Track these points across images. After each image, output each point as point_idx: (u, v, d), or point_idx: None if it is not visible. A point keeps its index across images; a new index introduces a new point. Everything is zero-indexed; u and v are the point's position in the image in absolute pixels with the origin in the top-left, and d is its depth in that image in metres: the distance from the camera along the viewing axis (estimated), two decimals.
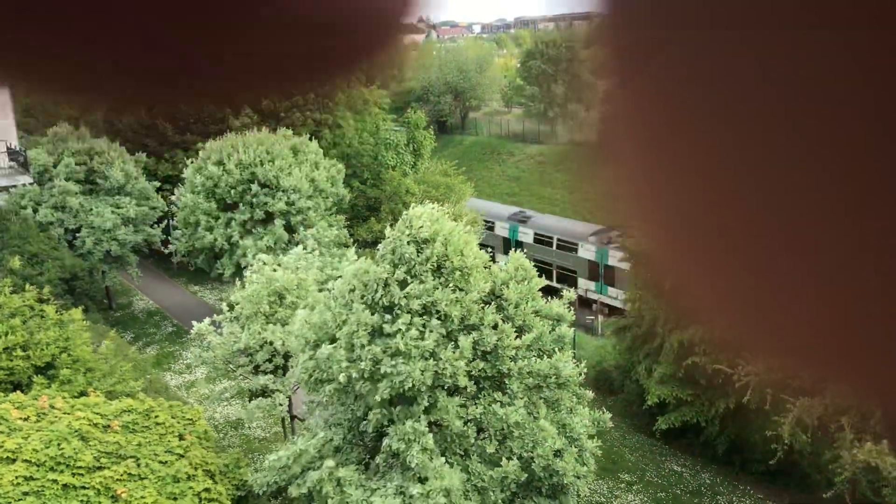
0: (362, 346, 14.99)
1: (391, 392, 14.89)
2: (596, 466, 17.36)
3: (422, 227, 15.44)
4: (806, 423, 16.77)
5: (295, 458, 16.26)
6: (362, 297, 15.69)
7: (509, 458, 14.96)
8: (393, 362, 14.77)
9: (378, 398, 14.85)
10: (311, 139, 36.21)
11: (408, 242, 15.42)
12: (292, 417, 23.88)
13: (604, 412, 17.64)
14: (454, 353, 14.90)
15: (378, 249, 16.37)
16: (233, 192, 31.97)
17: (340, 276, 17.14)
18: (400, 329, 14.83)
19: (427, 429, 14.78)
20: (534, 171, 61.91)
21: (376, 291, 15.46)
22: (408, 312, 15.06)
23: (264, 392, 21.83)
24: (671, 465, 25.19)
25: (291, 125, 41.72)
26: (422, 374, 14.57)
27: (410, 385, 14.58)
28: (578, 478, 15.92)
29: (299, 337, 16.48)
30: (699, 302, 0.53)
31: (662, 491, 23.86)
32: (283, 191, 32.05)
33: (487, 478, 14.88)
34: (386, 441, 15.09)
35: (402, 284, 15.30)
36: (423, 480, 14.44)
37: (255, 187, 31.82)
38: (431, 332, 15.01)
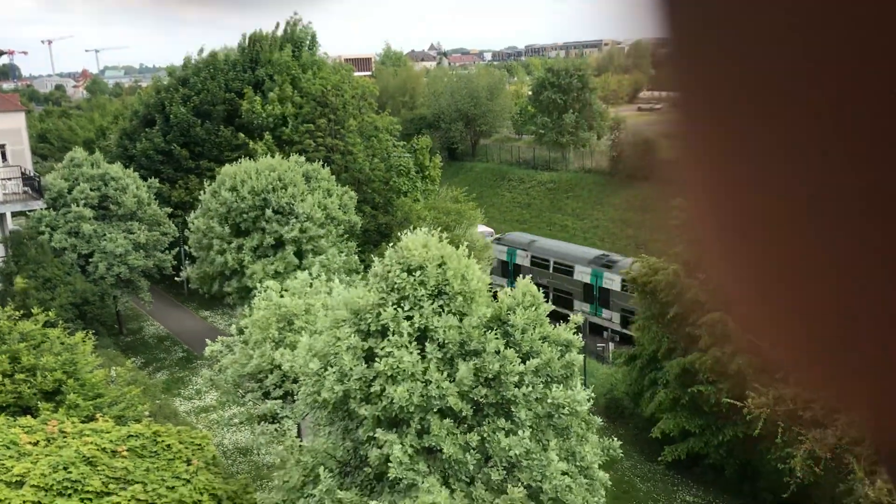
0: (350, 369, 15.14)
1: (381, 413, 15.00)
2: (606, 497, 17.13)
3: (413, 254, 15.61)
4: (818, 455, 16.54)
5: (294, 465, 16.39)
6: (354, 323, 15.90)
7: (516, 487, 14.82)
8: (381, 383, 14.91)
9: (366, 415, 15.00)
10: (322, 165, 36.43)
11: (399, 269, 15.58)
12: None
13: (614, 440, 17.47)
14: (442, 374, 14.90)
15: (370, 278, 16.59)
16: (246, 217, 32.15)
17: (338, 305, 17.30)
18: (390, 351, 14.95)
19: (412, 448, 14.75)
20: (544, 198, 61.99)
21: (366, 318, 15.66)
22: (399, 335, 15.12)
23: (273, 418, 21.79)
24: (683, 495, 24.89)
25: (303, 151, 42.01)
26: (409, 396, 14.57)
27: (399, 407, 14.62)
28: None
29: (304, 363, 16.60)
30: (750, 320, 0.53)
31: None
32: (296, 217, 32.20)
33: None
34: (371, 457, 15.11)
35: (395, 309, 15.42)
36: (414, 499, 14.38)
37: (268, 212, 31.99)
38: (428, 357, 15.05)
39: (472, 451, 14.98)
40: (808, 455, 16.80)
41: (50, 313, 22.30)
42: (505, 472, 15.12)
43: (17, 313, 21.40)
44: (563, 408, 15.41)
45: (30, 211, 34.84)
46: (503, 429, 15.14)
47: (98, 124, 63.09)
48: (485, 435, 15.09)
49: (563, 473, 15.13)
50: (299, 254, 32.80)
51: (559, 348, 16.38)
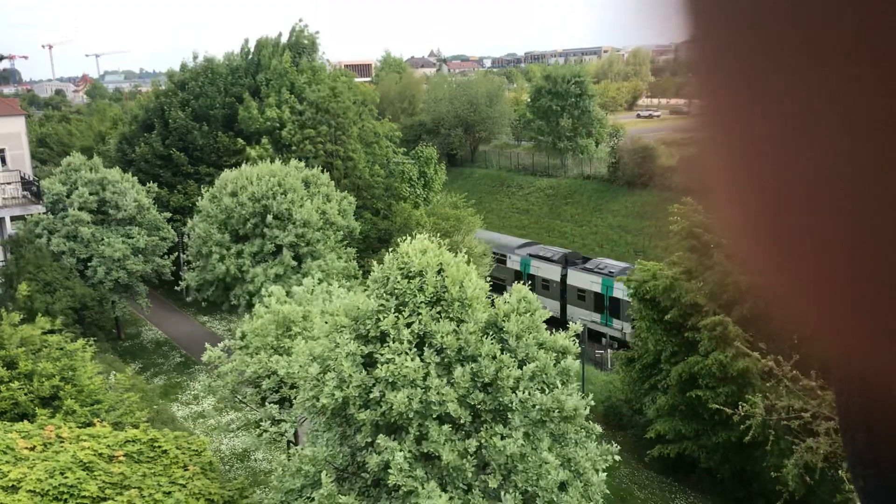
0: (350, 375, 15.15)
1: (380, 419, 15.00)
2: (604, 502, 17.09)
3: (412, 260, 15.63)
4: (811, 464, 16.51)
5: (294, 473, 16.36)
6: (353, 329, 15.92)
7: (511, 493, 14.79)
8: (381, 389, 14.91)
9: (365, 420, 14.99)
10: (322, 171, 36.46)
11: (399, 276, 15.60)
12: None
13: (612, 444, 17.45)
14: (442, 381, 14.89)
15: (369, 284, 16.58)
16: (247, 224, 32.17)
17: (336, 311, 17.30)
18: (390, 358, 14.95)
19: (410, 454, 14.73)
20: (543, 204, 62.05)
21: (366, 324, 15.69)
22: (400, 342, 15.12)
23: (271, 423, 21.78)
24: (680, 502, 24.88)
25: (304, 157, 42.04)
26: (408, 402, 14.57)
27: (399, 413, 14.62)
28: None
29: (303, 367, 16.57)
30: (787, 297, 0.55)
31: None
32: (293, 223, 32.23)
33: None
34: (371, 463, 15.08)
35: (395, 316, 15.43)
36: None
37: (269, 219, 32.02)
38: (427, 362, 15.05)
39: (469, 457, 14.96)
40: (802, 464, 16.78)
41: (56, 321, 22.29)
42: (502, 478, 15.10)
43: (17, 317, 21.38)
44: (553, 411, 15.39)
45: (28, 215, 34.84)
46: (500, 434, 15.14)
47: (97, 129, 63.09)
48: (482, 441, 15.07)
49: (557, 475, 15.09)
50: (297, 258, 32.83)
51: (555, 355, 16.37)
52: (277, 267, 31.83)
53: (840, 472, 16.07)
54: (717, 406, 19.58)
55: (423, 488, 14.25)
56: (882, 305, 0.48)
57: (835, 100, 0.45)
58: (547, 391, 15.59)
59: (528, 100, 70.83)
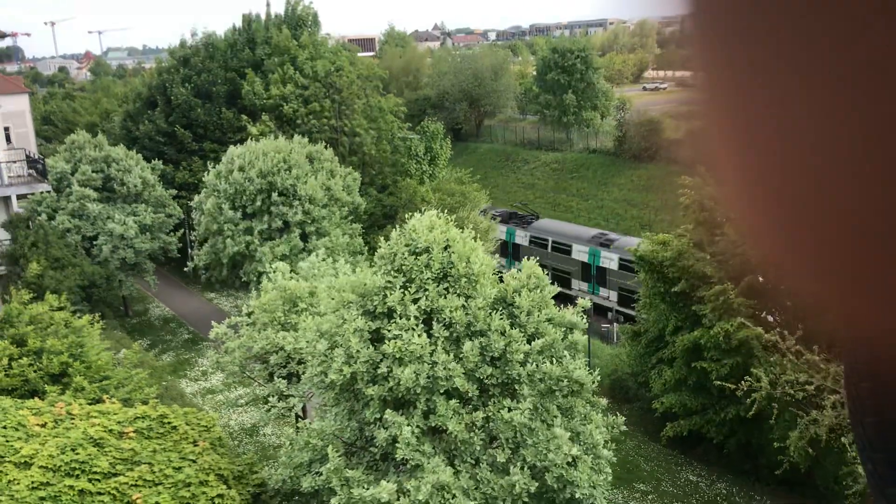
0: (357, 351, 15.24)
1: (388, 395, 15.10)
2: (611, 475, 17.23)
3: (418, 237, 15.64)
4: (815, 436, 16.57)
5: (302, 447, 16.51)
6: (360, 306, 15.99)
7: (521, 468, 14.89)
8: (388, 365, 15.01)
9: (373, 395, 15.10)
10: (327, 147, 36.32)
11: (406, 252, 15.61)
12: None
13: (618, 416, 17.54)
14: (449, 356, 14.96)
15: (376, 261, 16.60)
16: (256, 200, 32.10)
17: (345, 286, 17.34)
18: (397, 334, 15.01)
19: (417, 427, 14.85)
20: (549, 179, 61.84)
21: (373, 300, 15.75)
22: (407, 318, 15.18)
23: (279, 398, 21.93)
24: (687, 474, 25.02)
25: (308, 132, 41.88)
26: (416, 378, 14.65)
27: (406, 388, 14.71)
28: (594, 487, 15.80)
29: (310, 343, 16.64)
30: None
31: (678, 501, 23.69)
32: (299, 199, 32.18)
33: (497, 486, 14.82)
34: (379, 438, 15.21)
35: (402, 292, 15.47)
36: (419, 478, 14.50)
37: (275, 196, 31.97)
38: (435, 337, 15.11)
39: (477, 430, 15.06)
40: (807, 436, 16.85)
41: (62, 298, 22.38)
42: (511, 451, 15.19)
43: (27, 296, 21.48)
44: (561, 381, 15.48)
45: (31, 194, 34.88)
46: (507, 407, 15.23)
47: (104, 107, 62.90)
48: (490, 414, 15.16)
49: (569, 449, 15.18)
50: (304, 236, 32.84)
51: (563, 330, 16.43)
52: (284, 246, 31.85)
53: (845, 442, 16.13)
54: (721, 383, 19.64)
55: (429, 462, 14.37)
56: (892, 280, 0.48)
57: (833, 68, 0.45)
58: (555, 363, 15.69)
59: (535, 73, 70.28)
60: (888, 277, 0.48)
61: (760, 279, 20.19)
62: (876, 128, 0.45)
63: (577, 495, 15.22)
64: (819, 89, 0.47)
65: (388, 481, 14.52)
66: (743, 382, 17.65)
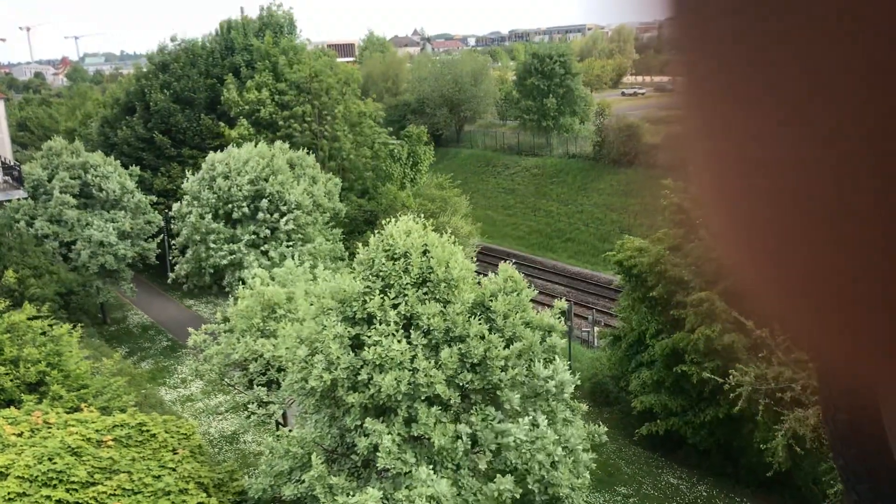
0: (338, 357, 15.17)
1: (369, 402, 15.06)
2: (591, 479, 17.27)
3: (396, 242, 15.62)
4: (800, 435, 16.72)
5: (282, 455, 16.41)
6: (340, 312, 15.95)
7: (503, 473, 14.88)
8: (368, 372, 14.97)
9: (353, 402, 15.05)
10: (308, 152, 36.21)
11: (385, 258, 15.59)
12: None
13: (599, 425, 17.60)
14: (429, 362, 14.94)
15: (355, 266, 16.55)
16: (243, 206, 31.80)
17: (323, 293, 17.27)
18: (377, 340, 14.97)
19: (399, 437, 14.81)
20: (529, 184, 62.03)
21: (353, 306, 15.71)
22: (387, 324, 15.14)
23: (259, 405, 21.80)
24: (668, 477, 25.14)
25: (289, 136, 41.71)
26: (396, 385, 14.61)
27: (387, 395, 14.67)
28: (573, 490, 15.85)
29: (290, 349, 16.55)
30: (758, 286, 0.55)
31: None
32: (286, 206, 32.02)
33: (479, 494, 14.83)
34: (360, 446, 15.15)
35: (381, 297, 15.44)
36: (409, 488, 14.44)
37: (264, 202, 31.74)
38: (414, 344, 15.09)
39: (461, 440, 15.04)
40: (791, 435, 16.98)
41: (44, 307, 22.14)
42: (492, 455, 15.19)
43: (3, 304, 21.22)
44: (549, 381, 15.54)
45: (6, 201, 34.48)
46: (493, 417, 15.22)
47: (86, 111, 62.29)
48: (474, 425, 15.16)
49: (556, 449, 15.23)
50: (289, 244, 32.69)
51: (541, 333, 16.45)
52: (273, 252, 31.61)
53: (825, 442, 16.29)
54: (706, 375, 19.67)
55: (418, 471, 14.31)
56: (871, 315, 0.47)
57: (813, 76, 0.45)
58: (537, 365, 15.74)
59: (515, 78, 70.56)
60: (850, 305, 0.47)
61: (734, 287, 20.35)
62: (846, 136, 0.44)
63: (559, 494, 15.28)
64: (787, 97, 0.46)
65: (373, 488, 14.47)
66: (730, 377, 17.75)
